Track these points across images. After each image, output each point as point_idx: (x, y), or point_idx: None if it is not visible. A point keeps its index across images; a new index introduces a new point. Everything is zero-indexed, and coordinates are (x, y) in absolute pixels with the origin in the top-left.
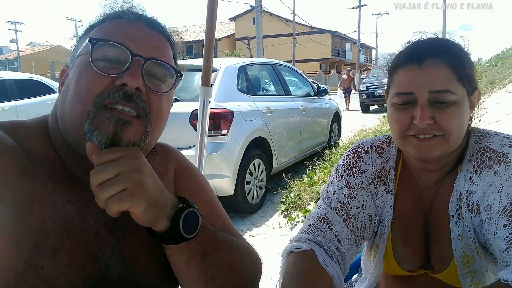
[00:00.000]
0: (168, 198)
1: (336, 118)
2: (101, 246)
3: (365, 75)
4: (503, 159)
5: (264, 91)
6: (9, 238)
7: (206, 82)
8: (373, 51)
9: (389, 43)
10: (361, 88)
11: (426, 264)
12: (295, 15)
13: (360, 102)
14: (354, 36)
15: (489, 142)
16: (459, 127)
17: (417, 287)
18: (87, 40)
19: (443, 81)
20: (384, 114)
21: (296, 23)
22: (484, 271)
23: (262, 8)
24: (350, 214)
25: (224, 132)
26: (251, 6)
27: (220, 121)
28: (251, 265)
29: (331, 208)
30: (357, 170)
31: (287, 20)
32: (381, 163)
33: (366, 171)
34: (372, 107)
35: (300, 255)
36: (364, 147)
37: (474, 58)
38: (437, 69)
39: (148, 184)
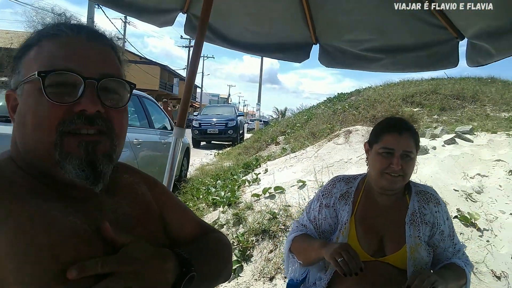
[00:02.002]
0: (167, 265)
1: (186, 153)
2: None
3: (196, 112)
4: (436, 202)
5: (132, 123)
6: (27, 264)
7: (181, 124)
8: (198, 90)
9: (212, 84)
10: (194, 125)
11: (377, 253)
12: (126, 41)
13: (192, 137)
14: (183, 73)
15: (424, 188)
16: (411, 172)
17: (371, 269)
18: (35, 72)
19: (411, 146)
20: (216, 150)
21: (126, 50)
22: (421, 260)
23: None
24: (317, 223)
25: None
26: None
27: None
28: (227, 252)
29: (308, 219)
30: (329, 192)
31: None
32: (346, 188)
33: (336, 193)
34: (202, 143)
35: (300, 235)
36: (338, 178)
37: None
38: (408, 138)
39: (148, 280)
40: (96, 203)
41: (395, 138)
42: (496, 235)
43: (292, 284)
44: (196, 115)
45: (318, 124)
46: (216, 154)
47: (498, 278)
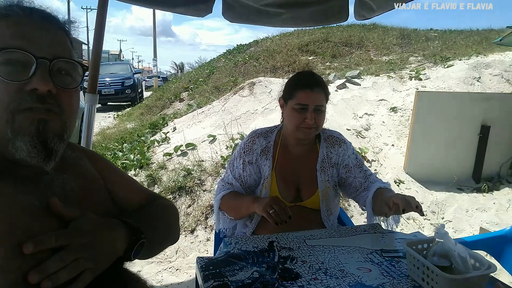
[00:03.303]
0: (117, 234)
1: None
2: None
3: (86, 72)
4: (341, 142)
5: None
6: None
7: (93, 90)
8: (84, 47)
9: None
10: (86, 86)
11: (295, 200)
12: None
13: None
14: None
15: (331, 133)
16: (323, 123)
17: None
18: None
19: (322, 100)
20: (114, 112)
21: None
22: (331, 200)
23: None
24: (243, 180)
25: None
26: None
27: None
28: (173, 217)
29: (234, 177)
30: (251, 149)
31: None
32: (265, 143)
33: (257, 149)
34: (97, 105)
35: (227, 193)
36: (256, 133)
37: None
38: (320, 93)
39: (100, 249)
40: (45, 181)
41: (307, 94)
42: (381, 164)
43: (219, 233)
44: (86, 76)
45: (221, 77)
46: (115, 116)
47: None
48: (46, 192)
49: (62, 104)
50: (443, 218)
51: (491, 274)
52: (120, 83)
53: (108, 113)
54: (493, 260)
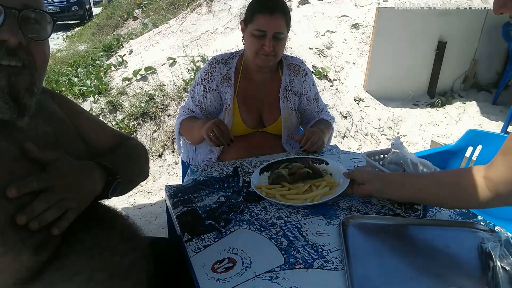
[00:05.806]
0: (94, 175)
1: None
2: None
3: None
4: (303, 72)
5: None
6: None
7: None
8: None
9: None
10: None
11: (258, 126)
12: None
13: None
14: None
15: (293, 60)
16: (283, 51)
17: (253, 138)
18: None
19: (282, 26)
20: (63, 33)
21: None
22: (292, 125)
23: None
24: (204, 107)
25: None
26: None
27: None
28: (144, 155)
29: (194, 104)
30: (211, 76)
31: None
32: (226, 70)
33: (217, 76)
34: None
35: (186, 118)
36: (217, 60)
37: None
38: (280, 19)
39: (80, 189)
40: (17, 126)
41: (267, 19)
42: (343, 83)
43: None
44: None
45: None
46: (65, 37)
47: (345, 117)
48: (21, 137)
49: (32, 57)
50: (398, 133)
51: None
52: (65, 0)
53: (56, 33)
54: None
